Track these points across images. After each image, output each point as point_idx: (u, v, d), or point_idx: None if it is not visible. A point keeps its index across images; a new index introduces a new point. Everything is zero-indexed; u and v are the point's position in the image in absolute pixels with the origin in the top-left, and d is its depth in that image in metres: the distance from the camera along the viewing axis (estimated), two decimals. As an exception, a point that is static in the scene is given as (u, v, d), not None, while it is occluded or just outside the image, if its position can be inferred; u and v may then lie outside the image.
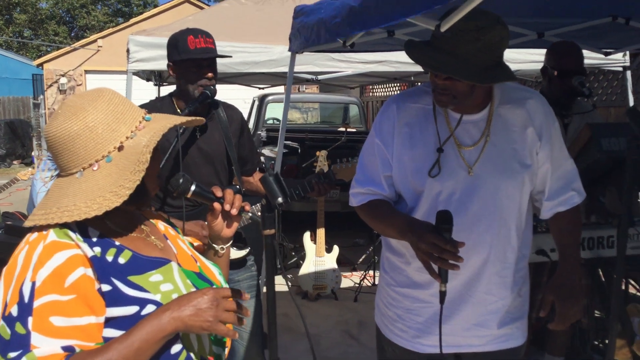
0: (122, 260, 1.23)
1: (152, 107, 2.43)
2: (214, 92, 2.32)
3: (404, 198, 1.79)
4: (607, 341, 2.91)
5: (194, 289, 1.30)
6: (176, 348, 1.25)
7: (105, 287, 1.18)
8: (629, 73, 4.67)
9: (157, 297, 1.22)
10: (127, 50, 3.89)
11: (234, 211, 1.38)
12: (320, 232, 5.01)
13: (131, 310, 1.19)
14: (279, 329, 4.28)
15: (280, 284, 5.37)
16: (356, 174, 1.87)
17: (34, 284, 1.13)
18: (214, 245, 1.47)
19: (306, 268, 4.99)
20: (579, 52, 2.91)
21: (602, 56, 3.96)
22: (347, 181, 2.50)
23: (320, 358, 3.90)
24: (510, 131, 1.73)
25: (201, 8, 14.79)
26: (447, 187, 1.70)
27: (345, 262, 5.73)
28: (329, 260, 5.02)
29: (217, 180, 2.49)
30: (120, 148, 1.21)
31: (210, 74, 2.36)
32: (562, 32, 3.29)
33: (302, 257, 5.18)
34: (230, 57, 2.53)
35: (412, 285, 1.81)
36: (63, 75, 15.67)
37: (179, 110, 2.40)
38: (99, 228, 1.25)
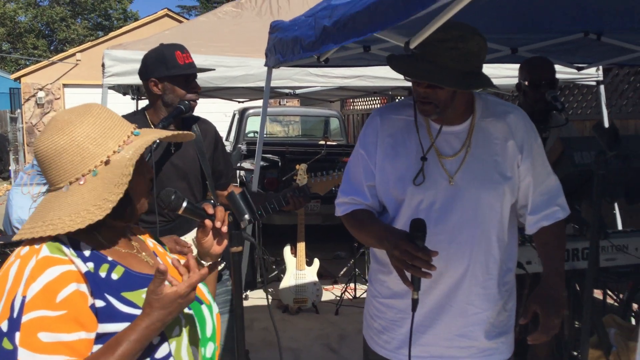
0: (115, 276, 1.23)
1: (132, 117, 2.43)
2: (189, 107, 2.31)
3: (386, 208, 1.82)
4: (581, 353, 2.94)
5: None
6: None
7: (99, 303, 1.17)
8: (602, 87, 4.76)
9: None
10: (103, 65, 3.86)
11: (225, 229, 1.37)
12: (301, 245, 5.00)
13: (123, 326, 1.18)
14: (260, 343, 4.26)
15: (261, 297, 5.35)
16: (341, 185, 1.92)
17: (24, 298, 1.13)
18: (202, 262, 1.47)
19: (287, 281, 4.97)
20: (550, 65, 2.97)
21: (575, 71, 4.03)
22: (321, 195, 2.51)
23: (300, 373, 3.88)
24: (491, 143, 1.75)
25: (181, 22, 14.77)
26: (428, 196, 1.72)
27: (326, 275, 5.72)
28: (310, 274, 5.00)
29: (192, 195, 2.48)
30: (107, 162, 1.22)
31: (199, 89, 2.41)
32: (536, 47, 3.35)
33: (283, 271, 5.15)
34: (214, 70, 2.54)
35: (393, 295, 1.82)
36: (41, 89, 15.50)
37: (152, 125, 2.39)
38: (91, 243, 1.25)
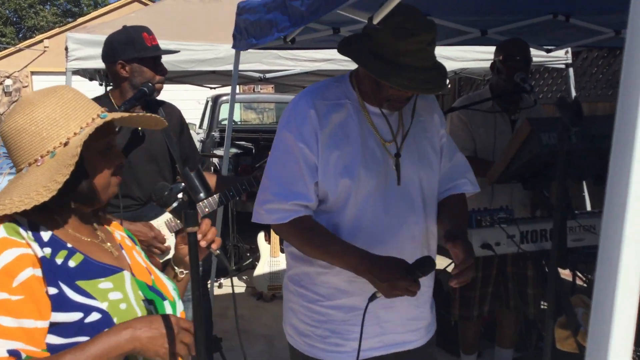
0: (72, 263, 1.20)
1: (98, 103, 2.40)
2: (152, 89, 2.27)
3: (326, 200, 1.68)
4: (545, 334, 2.97)
5: (144, 301, 1.28)
6: None
7: (52, 291, 1.14)
8: (571, 70, 4.80)
9: (104, 306, 1.18)
10: (66, 49, 3.75)
11: (203, 243, 1.33)
12: (275, 233, 4.97)
13: (74, 316, 1.14)
14: (234, 331, 4.23)
15: (235, 285, 5.31)
16: (270, 186, 1.68)
17: None
18: (175, 267, 1.46)
19: (261, 269, 4.95)
20: (525, 45, 2.99)
21: (545, 53, 4.05)
22: None
23: (275, 358, 3.87)
24: (419, 121, 1.77)
25: (151, 7, 14.52)
26: (378, 183, 1.68)
27: (300, 262, 5.70)
28: (284, 261, 4.95)
29: (162, 178, 2.47)
30: (66, 144, 1.20)
31: (165, 71, 2.39)
32: (505, 29, 3.35)
33: (257, 259, 5.12)
34: (178, 51, 2.49)
35: (341, 295, 1.73)
36: (8, 77, 15.13)
37: (117, 109, 2.35)
38: (52, 228, 1.22)
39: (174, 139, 2.48)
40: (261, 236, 5.06)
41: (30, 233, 1.17)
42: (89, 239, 1.28)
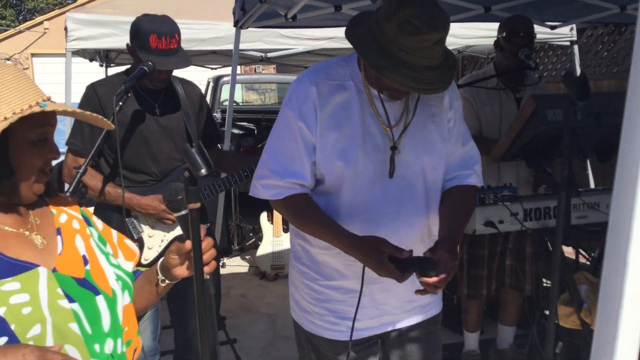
0: None
1: (109, 83, 2.41)
2: (153, 68, 2.25)
3: (323, 181, 1.68)
4: (549, 311, 2.98)
5: (63, 299, 1.16)
6: None
7: None
8: (576, 47, 4.75)
9: (1, 311, 1.05)
10: (65, 29, 3.72)
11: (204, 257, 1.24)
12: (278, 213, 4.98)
13: None
14: (238, 310, 4.26)
15: (238, 264, 5.34)
16: (268, 162, 1.68)
17: None
18: (159, 272, 1.34)
19: (264, 248, 4.96)
20: (529, 21, 2.96)
21: (550, 30, 4.01)
22: None
23: (278, 337, 3.90)
24: (427, 105, 1.70)
25: (152, -12, 14.35)
26: (375, 167, 1.66)
27: (303, 242, 5.71)
28: (287, 240, 4.99)
29: (177, 154, 2.48)
30: None
31: (163, 76, 2.36)
32: (509, 5, 3.32)
33: (260, 239, 5.14)
34: (190, 64, 2.44)
35: (338, 276, 1.74)
36: (8, 59, 15.04)
37: (137, 88, 2.37)
38: None
39: (191, 117, 2.48)
40: (264, 216, 5.07)
41: None
42: (9, 230, 1.18)
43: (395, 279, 1.49)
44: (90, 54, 5.30)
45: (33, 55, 15.27)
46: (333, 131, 1.62)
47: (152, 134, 2.41)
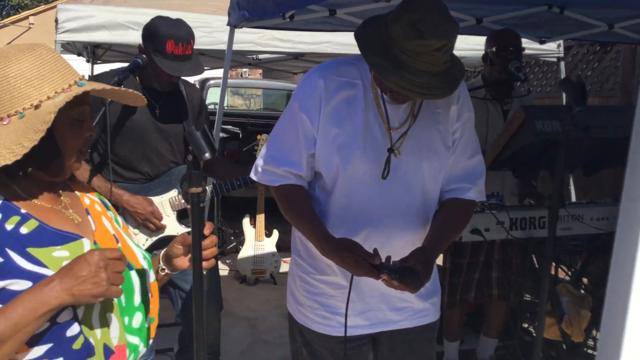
0: (24, 230, 1.13)
1: (108, 76, 2.33)
2: (146, 61, 2.24)
3: (322, 176, 1.71)
4: (536, 323, 3.00)
5: None
6: (72, 331, 1.14)
7: None
8: (562, 64, 4.83)
9: None
10: (56, 20, 3.67)
11: (206, 253, 1.28)
12: (260, 217, 4.94)
13: (23, 284, 1.08)
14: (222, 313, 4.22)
15: (219, 268, 5.29)
16: (270, 149, 1.73)
17: None
18: (160, 261, 1.39)
19: (245, 252, 4.92)
20: (516, 34, 3.00)
21: (539, 45, 4.07)
22: None
23: (258, 341, 3.87)
24: (434, 112, 1.71)
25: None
26: (373, 167, 1.66)
27: (285, 247, 5.67)
28: (269, 245, 4.96)
29: (173, 156, 2.48)
30: (37, 107, 1.12)
31: (174, 80, 2.36)
32: (500, 18, 3.36)
33: (241, 243, 5.09)
34: (202, 72, 2.44)
35: (329, 271, 1.76)
36: (-9, 53, 14.85)
37: (137, 82, 2.37)
38: (5, 194, 1.15)
39: (190, 119, 2.47)
40: (246, 220, 5.03)
41: None
42: (47, 205, 1.22)
43: (373, 277, 1.51)
44: (78, 48, 5.23)
45: (16, 50, 15.09)
46: (334, 126, 1.64)
47: (149, 134, 2.40)
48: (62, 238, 1.18)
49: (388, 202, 1.68)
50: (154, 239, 2.44)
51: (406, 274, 1.49)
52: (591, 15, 3.35)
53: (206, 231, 1.25)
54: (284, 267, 5.15)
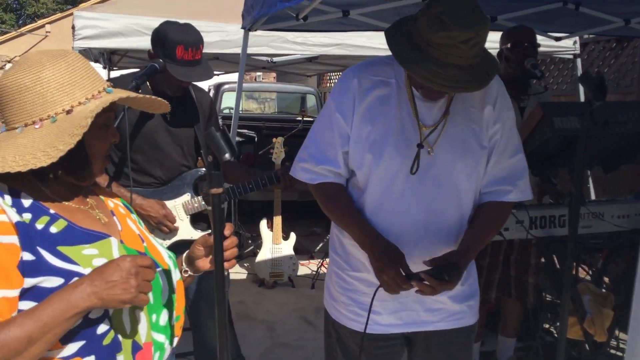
0: (54, 229, 1.16)
1: (123, 80, 2.36)
2: (163, 66, 2.25)
3: (355, 174, 1.74)
4: (557, 323, 2.96)
5: None
6: (102, 328, 1.16)
7: (28, 256, 1.09)
8: (579, 61, 4.79)
9: (86, 272, 1.13)
10: (73, 27, 3.72)
11: (227, 254, 1.29)
12: (277, 219, 4.95)
13: (54, 281, 1.10)
14: (236, 316, 4.23)
15: (236, 272, 5.31)
16: (308, 147, 1.78)
17: None
18: (183, 264, 1.41)
19: (263, 255, 4.93)
20: (531, 31, 2.98)
21: (554, 42, 4.04)
22: None
23: (277, 344, 3.87)
24: (468, 112, 1.71)
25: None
26: (406, 163, 1.67)
27: (302, 250, 5.69)
28: (286, 248, 4.96)
29: (185, 160, 2.50)
30: (69, 111, 1.16)
31: (184, 85, 2.38)
32: (515, 16, 3.34)
33: (259, 246, 5.11)
34: (212, 76, 2.45)
35: (363, 269, 1.77)
36: (9, 62, 15.02)
37: (149, 87, 2.39)
38: (34, 195, 1.18)
39: (201, 124, 2.50)
40: (263, 223, 5.04)
41: (8, 198, 1.13)
42: (75, 206, 1.25)
43: (401, 284, 1.54)
44: (94, 55, 5.29)
45: (34, 58, 15.29)
46: (368, 124, 1.68)
47: (161, 139, 2.42)
48: (91, 237, 1.20)
49: (422, 199, 1.69)
50: (169, 242, 2.46)
51: (444, 269, 1.51)
52: (607, 11, 3.31)
53: (226, 232, 1.26)
54: (302, 270, 5.16)
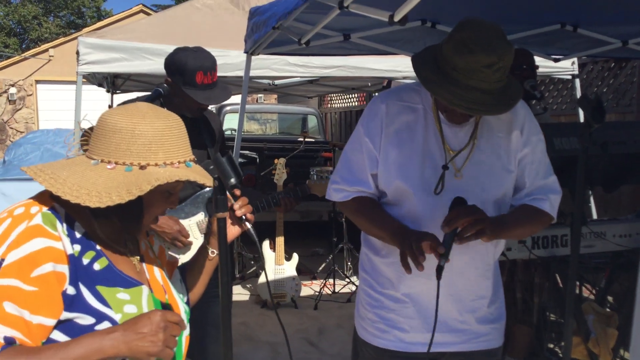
0: (97, 266, 1.20)
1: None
2: (168, 91, 2.31)
3: (387, 195, 1.79)
4: (562, 343, 2.95)
5: None
6: None
7: (71, 290, 1.14)
8: (577, 81, 4.82)
9: (117, 317, 1.18)
10: (77, 53, 3.78)
11: (239, 212, 1.37)
12: (280, 240, 4.96)
13: (87, 320, 1.15)
14: (239, 338, 4.21)
15: (239, 293, 5.30)
16: (340, 170, 1.84)
17: (2, 261, 1.09)
18: (208, 246, 1.46)
19: (265, 277, 4.92)
20: (529, 53, 3.01)
21: (553, 64, 4.08)
22: (320, 197, 2.51)
23: (279, 367, 3.85)
24: (495, 136, 1.75)
25: (157, 19, 14.58)
26: (431, 186, 1.69)
27: (305, 271, 5.68)
28: (289, 268, 4.96)
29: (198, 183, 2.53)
30: (143, 167, 1.20)
31: (204, 107, 2.44)
32: (513, 38, 3.36)
33: (262, 267, 5.10)
34: (231, 96, 2.51)
35: (390, 285, 1.81)
36: (13, 85, 15.17)
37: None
38: (87, 227, 1.22)
39: (214, 146, 2.57)
40: (266, 244, 5.04)
41: (65, 227, 1.17)
42: (117, 248, 1.29)
43: (413, 259, 1.54)
44: (99, 79, 5.36)
45: (37, 82, 15.40)
46: (395, 148, 1.73)
47: None
48: (126, 282, 1.25)
49: None
50: (184, 260, 2.48)
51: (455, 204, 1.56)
52: (605, 32, 3.35)
53: (237, 192, 1.30)
54: (305, 291, 5.15)
